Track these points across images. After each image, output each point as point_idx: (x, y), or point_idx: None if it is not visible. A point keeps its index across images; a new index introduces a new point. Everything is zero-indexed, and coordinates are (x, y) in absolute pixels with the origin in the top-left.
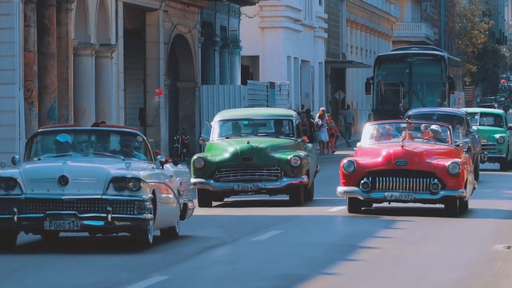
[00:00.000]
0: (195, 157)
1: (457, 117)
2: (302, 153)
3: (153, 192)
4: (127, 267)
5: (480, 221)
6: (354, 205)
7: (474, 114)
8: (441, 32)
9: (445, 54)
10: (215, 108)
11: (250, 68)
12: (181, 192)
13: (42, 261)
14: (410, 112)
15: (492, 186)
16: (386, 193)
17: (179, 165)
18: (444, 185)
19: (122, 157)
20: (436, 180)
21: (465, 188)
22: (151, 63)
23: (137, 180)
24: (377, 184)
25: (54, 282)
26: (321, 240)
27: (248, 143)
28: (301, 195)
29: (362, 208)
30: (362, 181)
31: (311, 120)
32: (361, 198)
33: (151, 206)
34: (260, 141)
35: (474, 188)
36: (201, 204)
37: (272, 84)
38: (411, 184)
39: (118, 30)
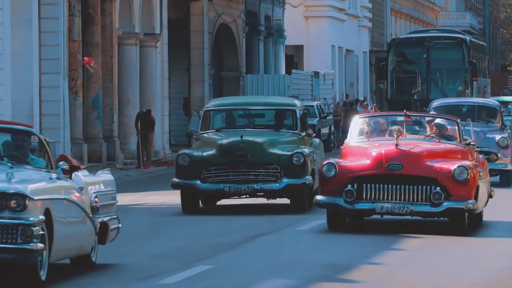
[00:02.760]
0: (179, 153)
1: (490, 108)
2: (306, 150)
3: (47, 212)
4: (173, 256)
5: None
6: (335, 219)
7: (507, 103)
8: (485, 21)
9: (467, 37)
10: None
11: (294, 58)
12: (97, 209)
13: None
14: (434, 104)
15: None
16: (375, 204)
17: (99, 172)
18: (448, 194)
19: (10, 164)
20: (438, 188)
21: (476, 198)
22: (195, 53)
23: (22, 196)
24: (364, 192)
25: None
26: (365, 229)
27: (241, 137)
28: (304, 199)
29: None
30: (345, 189)
31: (354, 106)
32: (343, 209)
33: (42, 232)
34: (257, 135)
35: (490, 197)
36: (186, 210)
37: (316, 74)
38: (407, 193)
39: (163, 20)
